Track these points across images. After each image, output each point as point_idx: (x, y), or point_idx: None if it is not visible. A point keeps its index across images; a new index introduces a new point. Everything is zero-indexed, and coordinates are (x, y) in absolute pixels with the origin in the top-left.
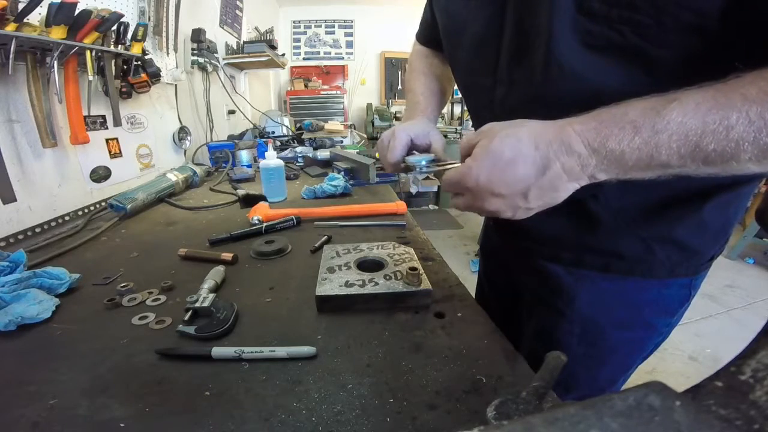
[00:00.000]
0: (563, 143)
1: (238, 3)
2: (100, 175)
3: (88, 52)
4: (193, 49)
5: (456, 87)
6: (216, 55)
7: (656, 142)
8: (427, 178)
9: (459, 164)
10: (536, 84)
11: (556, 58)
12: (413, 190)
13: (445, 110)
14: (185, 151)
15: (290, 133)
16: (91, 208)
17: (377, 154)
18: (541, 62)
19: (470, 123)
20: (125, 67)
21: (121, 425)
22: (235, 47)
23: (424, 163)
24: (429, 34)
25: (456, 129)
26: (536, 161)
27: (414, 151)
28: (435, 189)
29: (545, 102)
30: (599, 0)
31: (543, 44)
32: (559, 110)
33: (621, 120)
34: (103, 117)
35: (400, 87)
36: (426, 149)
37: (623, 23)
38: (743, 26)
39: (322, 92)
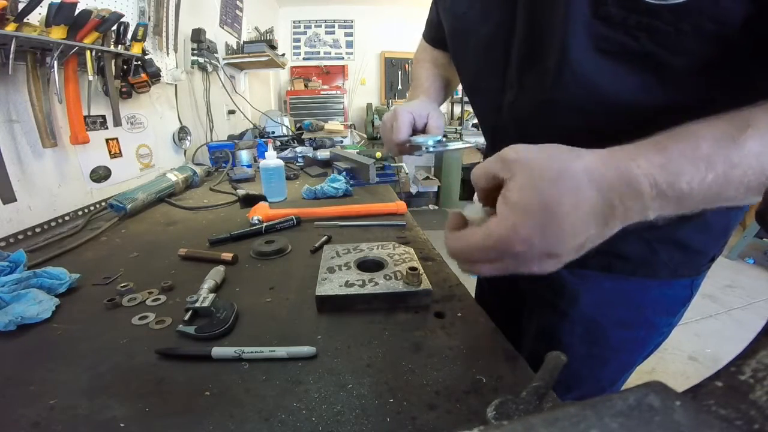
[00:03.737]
0: (630, 186)
1: (238, 3)
2: (100, 175)
3: (88, 52)
4: (193, 49)
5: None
6: (216, 55)
7: (728, 179)
8: (427, 178)
9: (466, 145)
10: (548, 88)
11: (570, 63)
12: (413, 190)
13: (446, 110)
14: (185, 151)
15: (290, 133)
16: (91, 208)
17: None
18: (554, 67)
19: (470, 123)
20: (125, 67)
21: (121, 425)
22: (235, 47)
23: (431, 143)
24: (435, 34)
25: (456, 129)
26: (598, 210)
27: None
28: (435, 189)
29: (557, 107)
30: (617, 5)
31: (557, 49)
32: (570, 115)
33: (693, 154)
34: (103, 117)
35: (400, 87)
36: (423, 129)
37: (641, 29)
38: (764, 34)
39: (322, 92)
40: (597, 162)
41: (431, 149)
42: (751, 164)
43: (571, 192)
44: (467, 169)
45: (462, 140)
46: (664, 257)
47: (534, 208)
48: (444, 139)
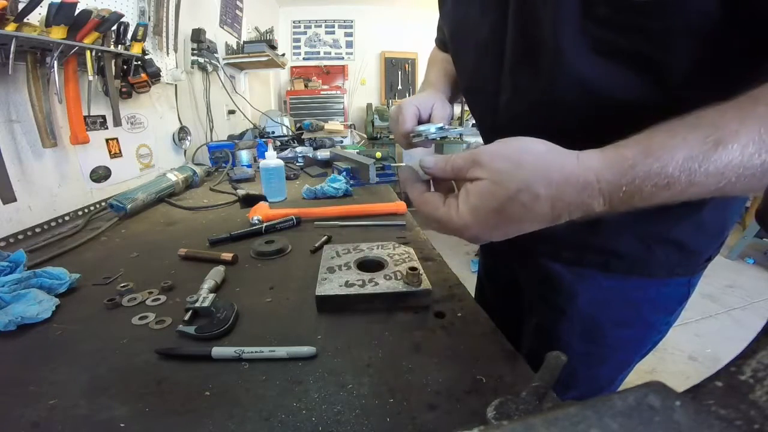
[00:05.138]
0: (582, 204)
1: (238, 3)
2: (100, 175)
3: (88, 52)
4: (193, 49)
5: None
6: (216, 55)
7: (684, 195)
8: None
9: (454, 131)
10: (543, 90)
11: (563, 64)
12: None
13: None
14: (185, 151)
15: (290, 133)
16: (91, 208)
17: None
18: (549, 69)
19: (471, 123)
20: (125, 67)
21: (121, 425)
22: (235, 47)
23: (432, 130)
24: (443, 38)
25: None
26: (545, 219)
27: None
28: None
29: (551, 107)
30: (606, 5)
31: (550, 50)
32: (565, 115)
33: (657, 176)
34: (103, 117)
35: (400, 87)
36: (429, 119)
37: (631, 28)
38: (747, 26)
39: (322, 92)
40: (560, 178)
41: (431, 136)
42: (707, 182)
43: (525, 207)
44: None
45: (463, 127)
46: (660, 256)
47: (487, 217)
48: (446, 126)
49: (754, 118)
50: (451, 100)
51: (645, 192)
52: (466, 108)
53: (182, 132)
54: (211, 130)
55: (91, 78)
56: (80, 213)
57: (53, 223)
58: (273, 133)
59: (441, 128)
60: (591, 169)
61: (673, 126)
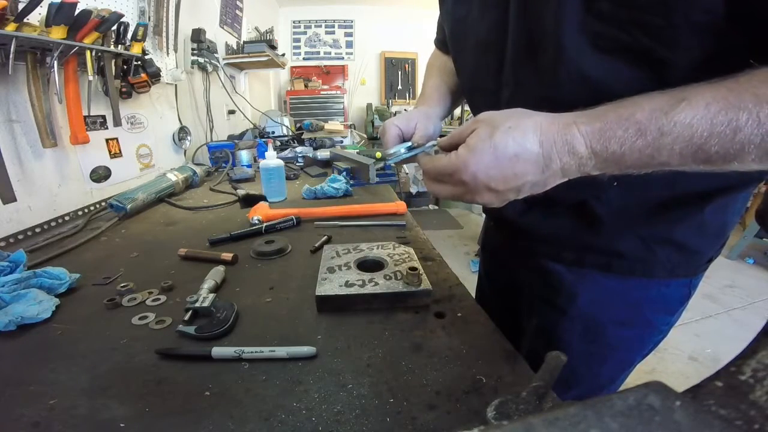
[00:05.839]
0: (567, 143)
1: (238, 3)
2: (100, 175)
3: (88, 52)
4: (193, 49)
5: None
6: (216, 55)
7: (659, 145)
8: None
9: (433, 146)
10: (545, 85)
11: (566, 60)
12: (413, 190)
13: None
14: (185, 151)
15: (290, 133)
16: (91, 208)
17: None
18: (550, 64)
19: None
20: (125, 67)
21: (121, 425)
22: (235, 47)
23: (402, 150)
24: (442, 37)
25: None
26: (538, 160)
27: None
28: None
29: (554, 104)
30: (608, 1)
31: (551, 46)
32: (567, 112)
33: (627, 121)
34: (103, 117)
35: (400, 87)
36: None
37: (633, 24)
38: (748, 24)
39: (322, 92)
40: (543, 120)
41: (402, 156)
42: (680, 133)
43: (518, 142)
44: None
45: (429, 142)
46: (661, 257)
47: (484, 151)
48: (416, 145)
49: (717, 84)
50: (451, 108)
51: (619, 136)
52: (467, 108)
53: (182, 132)
54: (211, 130)
55: (91, 78)
56: (80, 213)
57: (53, 223)
58: (273, 133)
59: (410, 147)
60: (569, 115)
61: (646, 93)
